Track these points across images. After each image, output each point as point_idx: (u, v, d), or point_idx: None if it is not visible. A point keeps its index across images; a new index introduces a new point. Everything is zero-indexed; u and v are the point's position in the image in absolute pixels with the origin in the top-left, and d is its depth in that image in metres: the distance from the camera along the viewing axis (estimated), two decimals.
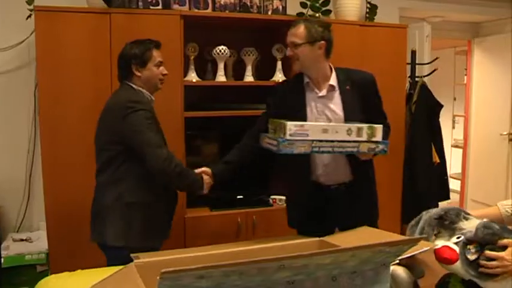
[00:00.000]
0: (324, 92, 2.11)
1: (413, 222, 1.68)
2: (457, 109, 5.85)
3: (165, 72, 2.14)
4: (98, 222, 2.06)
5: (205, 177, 2.13)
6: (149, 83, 2.09)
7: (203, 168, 2.17)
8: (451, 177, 5.39)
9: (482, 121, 4.88)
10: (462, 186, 5.19)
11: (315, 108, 2.12)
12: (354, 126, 1.84)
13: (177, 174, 1.97)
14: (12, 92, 2.93)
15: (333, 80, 2.12)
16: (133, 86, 2.06)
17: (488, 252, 1.35)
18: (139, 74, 2.06)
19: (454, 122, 5.98)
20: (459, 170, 5.33)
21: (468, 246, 1.40)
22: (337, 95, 2.11)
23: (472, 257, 1.36)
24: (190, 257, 1.56)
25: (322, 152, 1.85)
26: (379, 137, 1.87)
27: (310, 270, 1.19)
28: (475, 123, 4.99)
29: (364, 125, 1.85)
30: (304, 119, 2.09)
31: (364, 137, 1.85)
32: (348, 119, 2.07)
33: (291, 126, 1.77)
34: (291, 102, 2.16)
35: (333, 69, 2.15)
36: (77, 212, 2.58)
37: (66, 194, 2.57)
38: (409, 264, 1.58)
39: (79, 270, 1.73)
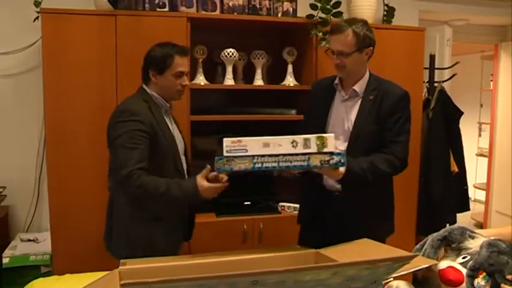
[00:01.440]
0: (346, 96, 2.07)
1: (418, 246, 1.60)
2: (484, 116, 5.65)
3: (185, 83, 1.96)
4: (107, 225, 2.04)
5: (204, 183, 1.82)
6: (165, 92, 1.94)
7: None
8: (475, 187, 5.20)
9: (509, 129, 4.67)
10: (487, 197, 4.98)
11: (336, 113, 2.07)
12: (300, 137, 1.61)
13: (143, 192, 1.73)
14: (23, 94, 2.96)
15: (359, 86, 2.05)
16: (147, 90, 1.95)
17: (505, 287, 1.26)
18: (155, 80, 1.92)
19: (480, 129, 5.77)
20: (484, 180, 5.12)
21: (476, 280, 1.31)
22: (358, 103, 2.04)
23: None
24: (177, 266, 1.52)
25: (267, 167, 1.59)
26: (331, 147, 1.62)
27: (289, 287, 1.11)
28: (501, 131, 4.79)
29: (312, 135, 1.62)
30: (325, 123, 2.05)
31: (314, 148, 1.60)
32: (354, 129, 2.00)
33: (227, 142, 1.58)
34: (320, 102, 2.13)
35: (368, 75, 2.07)
36: (81, 214, 2.58)
37: (71, 195, 2.57)
38: (426, 276, 1.50)
39: (67, 275, 1.75)
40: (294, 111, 2.95)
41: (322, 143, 1.60)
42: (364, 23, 2.02)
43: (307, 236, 2.14)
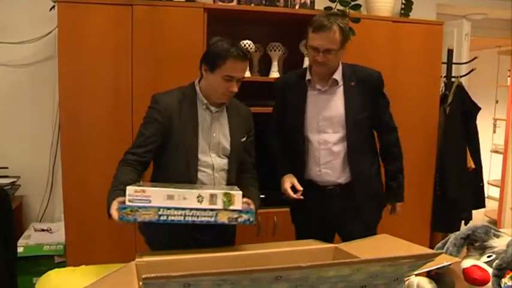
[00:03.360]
0: (326, 87, 2.05)
1: (439, 244, 1.58)
2: (499, 112, 5.56)
3: (233, 89, 1.80)
4: None
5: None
6: (210, 90, 1.83)
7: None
8: (490, 184, 5.13)
9: None
10: (501, 194, 4.91)
11: (315, 107, 2.06)
12: (206, 192, 1.52)
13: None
14: (38, 84, 2.96)
15: (337, 75, 2.05)
16: (196, 84, 1.87)
17: None
18: (205, 75, 1.82)
19: (495, 126, 5.68)
20: (499, 177, 5.05)
21: (503, 280, 1.28)
22: (340, 91, 2.05)
23: None
24: (195, 259, 1.51)
25: (172, 221, 1.50)
26: (238, 204, 1.53)
27: (312, 283, 1.10)
28: None
29: (219, 191, 1.54)
30: (303, 119, 2.05)
31: (220, 205, 1.52)
32: (348, 116, 2.02)
33: (130, 190, 1.48)
34: (291, 101, 2.12)
35: (340, 64, 2.07)
36: (95, 205, 2.57)
37: (85, 186, 2.57)
38: (438, 275, 1.48)
39: (83, 266, 1.71)
40: None
41: (229, 200, 1.53)
42: (344, 17, 2.05)
43: (303, 233, 2.12)
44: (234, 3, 2.73)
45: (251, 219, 1.54)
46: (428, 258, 1.17)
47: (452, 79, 3.31)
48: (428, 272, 1.48)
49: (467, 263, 1.40)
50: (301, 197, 2.00)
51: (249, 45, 2.76)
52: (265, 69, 2.96)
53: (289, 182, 2.04)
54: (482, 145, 3.37)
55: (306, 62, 2.91)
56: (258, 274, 0.99)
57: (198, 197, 1.52)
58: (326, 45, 1.93)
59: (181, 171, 1.81)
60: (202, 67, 1.82)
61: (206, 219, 1.52)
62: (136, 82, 2.56)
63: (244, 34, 2.83)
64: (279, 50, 2.89)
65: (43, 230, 2.84)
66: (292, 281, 1.05)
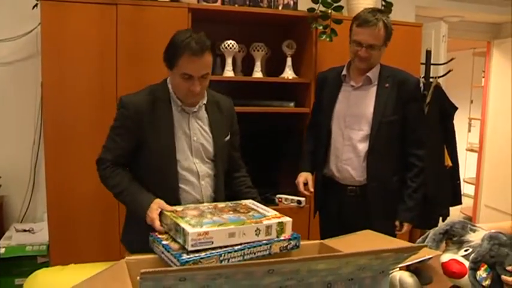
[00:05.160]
0: (359, 83, 2.08)
1: (419, 239, 1.62)
2: (474, 112, 5.72)
3: (194, 89, 1.60)
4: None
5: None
6: (174, 90, 1.68)
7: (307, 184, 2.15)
8: (465, 181, 5.27)
9: (499, 125, 4.74)
10: (476, 192, 5.06)
11: (345, 103, 2.09)
12: (262, 225, 1.49)
13: (104, 184, 1.68)
14: (20, 82, 2.93)
15: (372, 73, 2.07)
16: (168, 79, 1.72)
17: (505, 278, 1.28)
18: (169, 72, 1.67)
19: (470, 125, 5.84)
20: (473, 175, 5.20)
21: (478, 273, 1.33)
22: (373, 90, 2.07)
23: (486, 283, 1.30)
24: None
25: (233, 262, 1.43)
26: (288, 232, 1.54)
27: (303, 276, 1.13)
28: (492, 127, 4.86)
29: (273, 221, 1.52)
30: (331, 113, 2.10)
31: (274, 235, 1.51)
32: (376, 115, 2.03)
33: (193, 235, 1.34)
34: (325, 95, 2.17)
35: (379, 64, 2.10)
36: (79, 204, 2.56)
37: (69, 186, 2.56)
38: (417, 269, 1.53)
39: (71, 265, 1.71)
40: (292, 104, 2.96)
41: (281, 228, 1.53)
42: (387, 11, 2.05)
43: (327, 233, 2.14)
44: (218, 3, 2.76)
45: (298, 244, 1.55)
46: (413, 250, 1.22)
47: (431, 79, 3.39)
48: (407, 266, 1.53)
49: (445, 257, 1.44)
50: (311, 191, 2.11)
51: (232, 45, 2.79)
52: (248, 69, 2.99)
53: (304, 178, 2.14)
54: (458, 144, 3.46)
55: (289, 62, 2.96)
56: (251, 268, 1.02)
57: (256, 231, 1.49)
58: (370, 41, 1.96)
59: (160, 184, 1.66)
60: (165, 63, 1.65)
61: (262, 253, 1.50)
62: (121, 81, 2.56)
63: (228, 34, 2.86)
64: (262, 50, 2.93)
65: (25, 231, 2.81)
66: (284, 274, 1.08)
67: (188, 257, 1.33)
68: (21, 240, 2.69)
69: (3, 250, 2.60)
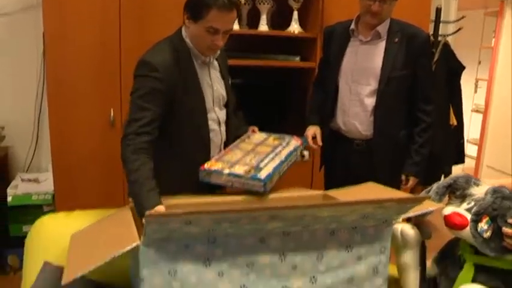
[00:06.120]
0: (368, 38, 2.05)
1: (423, 193, 1.63)
2: (481, 73, 5.62)
3: (218, 43, 1.61)
4: None
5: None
6: (195, 42, 1.65)
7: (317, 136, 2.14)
8: (468, 142, 5.26)
9: (506, 86, 4.67)
10: (479, 152, 5.05)
11: (353, 57, 2.08)
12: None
13: (123, 160, 1.52)
14: (21, 33, 2.87)
15: (382, 28, 2.03)
16: (183, 33, 1.67)
17: (506, 230, 1.28)
18: (188, 24, 1.63)
19: (476, 86, 5.76)
20: (477, 136, 5.18)
21: (479, 225, 1.34)
22: (382, 44, 2.04)
23: (487, 235, 1.30)
24: (192, 203, 1.52)
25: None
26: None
27: (307, 222, 1.15)
28: (499, 89, 4.79)
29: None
30: (339, 67, 2.09)
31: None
32: (384, 70, 2.01)
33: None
34: (333, 50, 2.15)
35: (388, 18, 2.05)
36: (82, 156, 2.57)
37: (72, 137, 2.55)
38: (416, 224, 1.53)
39: (77, 211, 1.72)
40: (298, 58, 2.91)
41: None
42: None
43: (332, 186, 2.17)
44: None
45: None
46: (416, 201, 1.23)
47: (439, 37, 3.32)
48: (408, 220, 1.54)
49: (448, 210, 1.45)
50: (319, 144, 2.11)
51: None
52: (254, 23, 2.92)
53: (312, 131, 2.13)
54: (464, 104, 3.43)
55: (295, 16, 2.89)
56: (257, 213, 1.03)
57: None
58: None
59: (193, 138, 1.70)
60: (185, 15, 1.62)
61: (294, 159, 1.79)
62: (125, 30, 2.51)
63: None
64: (267, 4, 2.85)
65: (30, 180, 2.84)
66: (287, 220, 1.10)
67: (264, 176, 1.52)
68: (27, 189, 2.72)
69: (10, 198, 2.64)
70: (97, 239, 1.25)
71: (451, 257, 1.43)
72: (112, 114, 2.58)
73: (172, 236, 1.06)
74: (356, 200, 1.12)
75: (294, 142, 1.87)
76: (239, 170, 1.57)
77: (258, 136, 1.93)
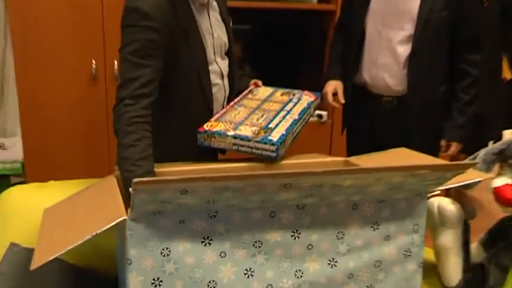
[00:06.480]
0: None
1: (467, 160, 1.62)
2: None
3: None
4: None
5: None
6: None
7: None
8: None
9: None
10: None
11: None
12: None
13: (116, 132, 1.51)
14: None
15: None
16: None
17: None
18: None
19: None
20: None
21: None
22: None
23: None
24: (191, 170, 1.54)
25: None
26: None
27: (325, 193, 1.16)
28: None
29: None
30: (366, 10, 2.09)
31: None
32: (422, 10, 1.99)
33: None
34: None
35: None
36: (59, 115, 2.59)
37: (46, 93, 2.58)
38: (458, 199, 1.54)
39: (51, 182, 1.74)
40: (315, 0, 2.91)
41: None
42: None
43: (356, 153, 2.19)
44: None
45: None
46: (458, 169, 1.22)
47: None
48: (447, 192, 1.54)
49: (499, 181, 1.45)
50: (341, 102, 2.11)
51: None
52: None
53: (333, 87, 2.13)
54: None
55: None
56: (264, 180, 1.03)
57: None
58: None
59: (193, 97, 1.71)
60: None
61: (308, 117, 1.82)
62: None
63: None
64: None
65: None
66: (302, 190, 1.10)
67: (276, 138, 1.53)
68: None
69: None
70: (75, 214, 1.25)
71: (502, 240, 1.44)
72: (94, 65, 2.58)
73: (165, 209, 1.07)
74: (383, 166, 1.11)
75: (307, 98, 1.88)
76: (246, 131, 1.58)
77: (263, 91, 1.94)
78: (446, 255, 1.45)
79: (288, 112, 1.73)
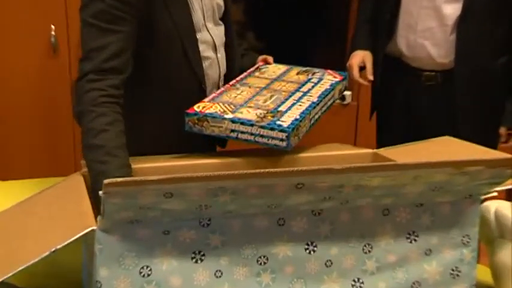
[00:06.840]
0: None
1: None
2: None
3: None
4: None
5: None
6: None
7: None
8: None
9: None
10: None
11: None
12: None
13: (78, 115, 1.46)
14: None
15: None
16: None
17: None
18: None
19: None
20: None
21: None
22: None
23: None
24: (179, 166, 1.53)
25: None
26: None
27: (347, 196, 1.15)
28: None
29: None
30: None
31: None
32: None
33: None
34: None
35: None
36: (13, 97, 2.61)
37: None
38: None
39: (10, 181, 1.76)
40: None
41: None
42: None
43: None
44: None
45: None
46: None
47: None
48: (507, 197, 1.52)
49: None
50: (370, 79, 2.12)
51: None
52: None
53: (359, 58, 2.14)
54: None
55: None
56: (272, 179, 1.01)
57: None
58: None
59: (177, 74, 1.69)
60: None
61: (331, 101, 1.80)
62: None
63: None
64: None
65: None
66: (318, 191, 1.09)
67: (287, 124, 1.49)
68: None
69: None
70: (28, 223, 1.24)
71: None
72: (53, 33, 2.57)
73: (145, 217, 1.05)
74: (423, 161, 1.08)
75: (330, 78, 1.85)
76: (248, 114, 1.54)
77: (274, 68, 1.91)
78: (507, 276, 1.41)
79: (305, 94, 1.70)
